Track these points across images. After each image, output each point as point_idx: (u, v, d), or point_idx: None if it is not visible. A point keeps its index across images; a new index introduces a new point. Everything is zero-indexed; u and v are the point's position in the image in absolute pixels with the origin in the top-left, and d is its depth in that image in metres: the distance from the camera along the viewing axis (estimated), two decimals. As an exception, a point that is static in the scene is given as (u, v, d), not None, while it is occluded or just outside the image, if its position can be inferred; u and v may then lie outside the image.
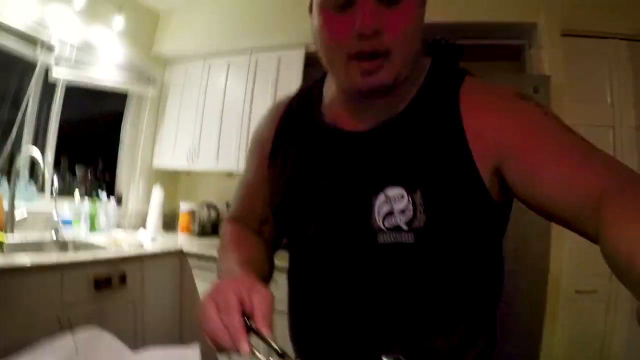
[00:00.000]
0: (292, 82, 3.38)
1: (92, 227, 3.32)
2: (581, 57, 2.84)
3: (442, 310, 0.87)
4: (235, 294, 0.64)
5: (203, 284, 3.15)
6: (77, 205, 3.27)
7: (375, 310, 0.87)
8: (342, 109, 0.94)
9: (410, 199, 0.82)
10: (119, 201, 3.75)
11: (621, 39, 2.83)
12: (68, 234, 3.08)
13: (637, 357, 2.66)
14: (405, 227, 0.82)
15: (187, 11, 3.88)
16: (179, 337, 3.24)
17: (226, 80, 3.73)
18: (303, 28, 3.12)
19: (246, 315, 0.63)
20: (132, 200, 3.92)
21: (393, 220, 0.82)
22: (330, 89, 0.98)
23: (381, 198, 0.84)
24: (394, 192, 0.83)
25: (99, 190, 3.55)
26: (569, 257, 2.52)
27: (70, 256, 2.59)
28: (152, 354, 1.07)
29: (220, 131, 3.68)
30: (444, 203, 0.82)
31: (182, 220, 3.77)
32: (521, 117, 0.81)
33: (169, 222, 3.94)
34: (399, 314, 0.86)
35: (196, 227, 3.81)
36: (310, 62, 3.41)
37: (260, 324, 0.62)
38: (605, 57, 2.84)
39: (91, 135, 3.96)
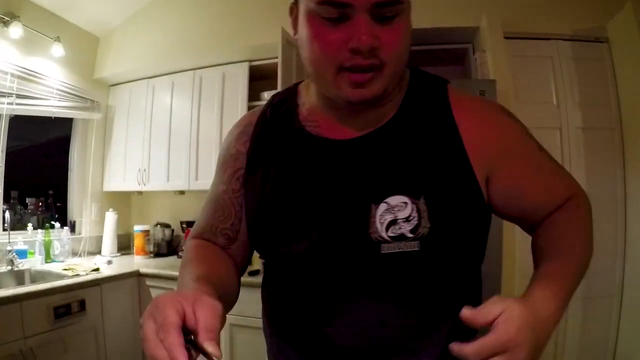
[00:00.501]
0: (237, 97, 3.62)
1: (48, 256, 3.46)
2: (525, 59, 3.04)
3: (437, 314, 0.89)
4: (176, 309, 0.60)
5: None
6: (30, 236, 3.41)
7: (375, 319, 0.87)
8: (326, 118, 0.96)
9: (414, 206, 0.85)
10: (72, 228, 3.91)
11: (564, 39, 3.04)
12: (24, 265, 3.19)
13: (591, 345, 2.90)
14: (410, 235, 0.84)
15: (126, 34, 4.04)
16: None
17: (171, 98, 3.92)
18: (246, 45, 3.45)
19: (190, 332, 0.61)
20: (86, 225, 4.06)
21: (397, 229, 0.85)
22: (309, 98, 1.01)
23: (382, 207, 0.86)
24: (396, 200, 0.85)
25: (52, 219, 3.69)
26: (521, 255, 2.62)
27: (27, 287, 2.70)
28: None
29: (169, 150, 3.87)
30: (447, 209, 0.86)
31: (137, 242, 3.94)
32: (510, 133, 0.95)
33: (124, 244, 4.14)
34: (398, 322, 0.87)
35: (151, 248, 3.99)
36: (255, 76, 3.66)
37: (202, 338, 0.59)
38: (549, 59, 3.04)
39: (39, 163, 4.08)
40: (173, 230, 4.14)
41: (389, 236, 0.85)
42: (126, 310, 3.33)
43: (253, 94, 3.62)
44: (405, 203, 0.85)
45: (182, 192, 4.04)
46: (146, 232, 3.98)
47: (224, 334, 3.19)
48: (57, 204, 3.92)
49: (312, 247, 0.90)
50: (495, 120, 0.95)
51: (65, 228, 3.70)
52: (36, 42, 3.51)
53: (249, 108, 3.55)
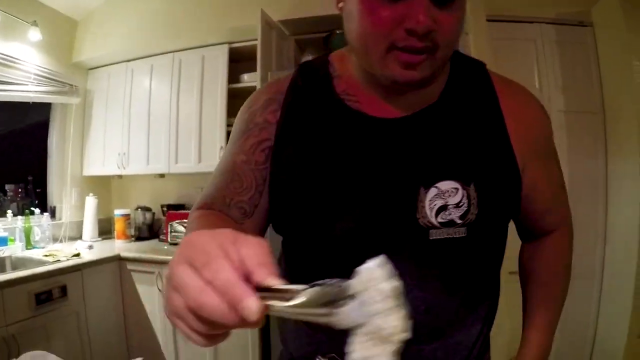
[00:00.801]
0: (217, 79, 3.71)
1: (28, 243, 3.55)
2: (508, 43, 3.13)
3: (477, 297, 0.94)
4: (218, 246, 0.48)
5: (144, 287, 3.48)
6: (10, 223, 3.49)
7: (420, 306, 0.87)
8: (366, 94, 0.94)
9: (465, 192, 0.86)
10: (52, 214, 4.00)
11: (548, 23, 3.13)
12: (4, 252, 3.28)
13: (571, 325, 3.00)
14: (459, 222, 0.86)
15: (105, 17, 4.09)
16: (125, 343, 3.57)
17: (150, 81, 4.00)
18: (226, 27, 3.55)
19: None
20: (66, 211, 4.16)
21: (447, 214, 0.86)
22: (345, 71, 0.99)
23: (432, 192, 0.86)
24: (447, 185, 0.86)
25: (32, 206, 3.77)
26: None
27: (8, 274, 2.76)
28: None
29: (148, 133, 3.96)
30: (494, 196, 0.88)
31: (118, 226, 4.07)
32: (546, 133, 1.00)
33: (105, 229, 4.26)
34: (441, 308, 0.90)
35: (132, 231, 4.14)
36: (235, 59, 3.74)
37: (261, 276, 0.46)
38: (532, 42, 3.15)
39: (17, 150, 4.13)
40: (154, 214, 4.27)
41: (438, 222, 0.86)
42: (108, 294, 3.46)
43: (233, 76, 3.71)
44: (457, 189, 0.86)
45: (162, 176, 4.16)
46: (127, 216, 4.09)
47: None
48: (37, 190, 4.00)
49: (354, 230, 0.89)
50: (538, 115, 0.99)
51: (45, 214, 3.78)
52: (12, 26, 3.55)
53: (229, 91, 3.68)
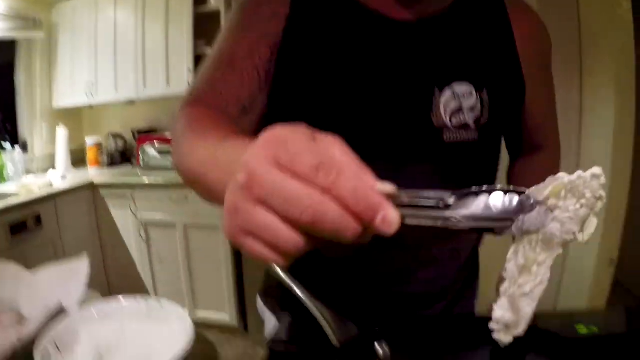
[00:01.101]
0: (183, 6, 3.74)
1: (1, 178, 3.63)
2: None
3: None
4: (318, 144, 0.38)
5: (118, 212, 3.63)
6: None
7: None
8: None
9: (478, 96, 0.88)
10: (24, 148, 4.03)
11: None
12: None
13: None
14: (472, 125, 0.88)
15: None
16: (103, 267, 3.74)
17: (115, 10, 3.99)
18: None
19: None
20: (38, 144, 4.21)
21: (461, 117, 0.88)
22: None
23: (447, 94, 0.88)
24: (462, 88, 0.88)
25: (3, 141, 3.81)
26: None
27: None
28: (46, 270, 1.17)
29: (115, 61, 3.99)
30: (503, 102, 0.92)
31: (90, 154, 4.18)
32: (545, 46, 1.03)
33: (78, 159, 4.28)
34: None
35: (105, 159, 4.21)
36: None
37: (372, 180, 0.37)
38: None
39: None
40: (126, 141, 4.36)
41: (452, 125, 0.88)
42: (83, 222, 3.59)
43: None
44: (471, 92, 0.88)
45: (131, 103, 4.21)
46: (98, 145, 4.20)
47: (179, 234, 3.52)
48: (7, 126, 4.06)
49: (369, 131, 0.88)
50: (540, 30, 1.02)
51: (17, 147, 3.84)
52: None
53: (195, 14, 3.76)
